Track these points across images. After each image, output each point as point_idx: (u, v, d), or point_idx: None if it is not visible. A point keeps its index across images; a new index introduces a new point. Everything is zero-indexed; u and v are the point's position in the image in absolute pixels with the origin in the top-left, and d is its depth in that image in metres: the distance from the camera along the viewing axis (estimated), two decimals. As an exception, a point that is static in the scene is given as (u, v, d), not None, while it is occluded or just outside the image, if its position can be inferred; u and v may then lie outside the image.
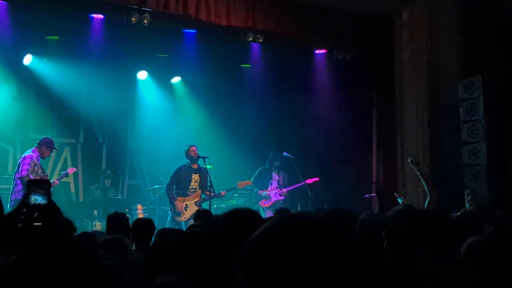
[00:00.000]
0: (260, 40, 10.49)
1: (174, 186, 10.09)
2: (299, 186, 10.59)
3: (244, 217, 2.87)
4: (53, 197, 2.19)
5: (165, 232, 4.38)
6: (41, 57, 11.00)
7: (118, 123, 12.44)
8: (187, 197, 9.99)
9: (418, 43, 10.93)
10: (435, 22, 10.81)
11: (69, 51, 10.99)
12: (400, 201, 8.79)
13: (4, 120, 11.03)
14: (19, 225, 2.11)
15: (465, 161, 9.89)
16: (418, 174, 8.01)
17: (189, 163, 10.08)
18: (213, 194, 9.57)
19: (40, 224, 2.10)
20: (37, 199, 2.12)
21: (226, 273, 3.05)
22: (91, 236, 4.53)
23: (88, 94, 11.60)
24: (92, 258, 3.16)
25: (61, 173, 10.23)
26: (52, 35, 10.70)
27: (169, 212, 10.19)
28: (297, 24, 10.37)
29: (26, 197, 2.11)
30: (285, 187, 10.87)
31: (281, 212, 5.77)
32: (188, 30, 10.48)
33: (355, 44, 11.14)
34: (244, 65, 12.15)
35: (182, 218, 9.68)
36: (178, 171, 10.13)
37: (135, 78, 12.17)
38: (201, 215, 6.29)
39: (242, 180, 10.54)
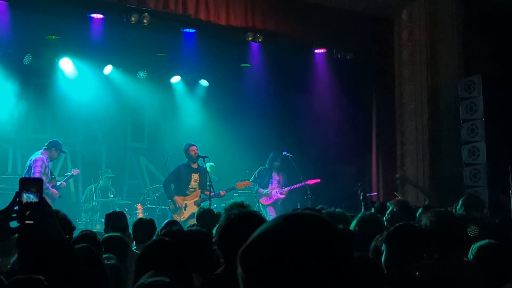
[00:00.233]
0: (260, 40, 10.49)
1: (174, 186, 10.10)
2: (300, 186, 10.61)
3: (248, 221, 2.89)
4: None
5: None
6: (41, 57, 10.99)
7: (117, 122, 12.43)
8: (187, 197, 10.00)
9: (418, 42, 10.93)
10: (434, 21, 10.81)
11: (68, 50, 11.00)
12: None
13: (4, 120, 11.03)
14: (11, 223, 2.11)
15: (464, 160, 9.90)
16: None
17: (189, 162, 10.09)
18: (213, 194, 9.58)
19: (31, 222, 2.09)
20: (29, 197, 2.11)
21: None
22: (92, 235, 4.53)
23: (88, 94, 11.59)
24: (92, 257, 3.15)
25: (67, 175, 10.26)
26: (52, 35, 10.70)
27: (169, 212, 10.19)
28: (296, 23, 10.36)
29: (18, 195, 2.11)
30: (285, 187, 10.89)
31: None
32: (188, 30, 10.48)
33: (354, 43, 11.14)
34: (243, 65, 12.14)
35: (181, 217, 9.69)
36: (178, 170, 10.14)
37: (135, 78, 12.17)
38: (203, 214, 6.26)
39: (241, 180, 10.55)
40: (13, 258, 3.78)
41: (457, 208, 5.94)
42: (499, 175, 9.67)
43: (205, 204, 9.64)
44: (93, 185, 11.08)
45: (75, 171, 10.38)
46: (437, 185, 10.45)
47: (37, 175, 9.15)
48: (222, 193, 9.97)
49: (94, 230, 7.58)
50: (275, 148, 11.28)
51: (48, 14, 9.71)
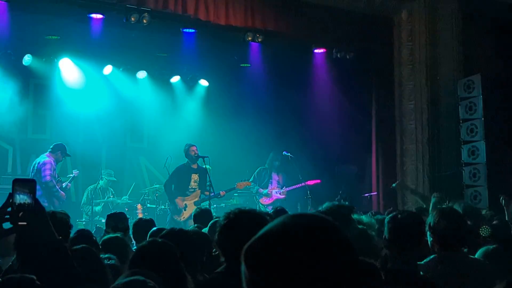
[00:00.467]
0: (259, 40, 10.48)
1: (174, 186, 10.10)
2: (300, 186, 10.61)
3: (248, 219, 2.89)
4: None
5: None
6: (40, 57, 11.00)
7: (117, 122, 12.42)
8: (187, 197, 10.00)
9: (417, 42, 10.94)
10: (434, 21, 10.82)
11: (68, 51, 11.00)
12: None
13: (4, 120, 11.03)
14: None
15: (464, 159, 9.91)
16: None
17: (188, 162, 10.09)
18: (213, 194, 9.59)
19: (25, 223, 2.08)
20: (22, 198, 2.10)
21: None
22: (88, 235, 4.54)
23: (87, 94, 11.59)
24: (92, 257, 3.15)
25: (69, 176, 10.27)
26: (52, 35, 10.70)
27: (169, 212, 10.20)
28: (296, 23, 10.36)
29: (11, 196, 2.10)
30: (285, 186, 10.90)
31: (278, 211, 5.77)
32: (187, 30, 10.47)
33: (354, 43, 11.14)
34: (243, 65, 12.14)
35: (182, 217, 9.69)
36: (178, 170, 10.15)
37: (134, 78, 12.17)
38: (201, 215, 6.26)
39: (241, 180, 10.56)
40: (13, 258, 3.78)
41: None
42: (499, 175, 9.69)
43: (205, 204, 9.65)
44: (92, 185, 11.09)
45: (75, 172, 10.41)
46: (437, 185, 10.45)
47: (48, 178, 9.29)
48: (222, 193, 9.98)
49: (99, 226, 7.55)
50: (274, 148, 11.29)
51: (48, 14, 9.70)
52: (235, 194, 11.60)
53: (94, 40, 10.01)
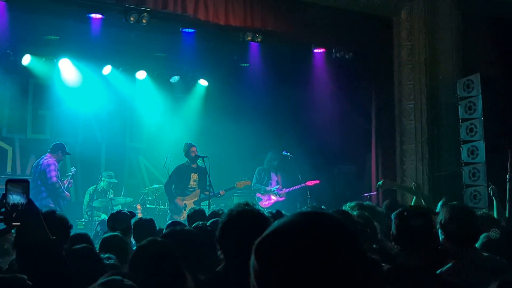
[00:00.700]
0: (259, 39, 10.49)
1: (173, 186, 10.11)
2: (299, 187, 10.61)
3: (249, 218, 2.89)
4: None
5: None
6: (40, 57, 11.00)
7: (117, 122, 12.43)
8: (186, 197, 10.01)
9: (417, 41, 10.94)
10: (433, 20, 10.82)
11: (67, 51, 11.00)
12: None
13: (3, 120, 11.03)
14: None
15: (464, 159, 9.91)
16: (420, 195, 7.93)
17: (188, 162, 10.10)
18: (212, 193, 9.59)
19: (18, 224, 2.07)
20: (16, 198, 2.09)
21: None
22: (83, 235, 4.53)
23: (87, 94, 11.59)
24: (93, 256, 3.15)
25: (68, 175, 10.25)
26: (51, 35, 10.70)
27: (168, 212, 10.20)
28: (295, 23, 10.36)
29: (4, 196, 2.08)
30: (284, 186, 10.89)
31: (275, 215, 5.78)
32: (187, 30, 10.47)
33: (354, 43, 11.14)
34: (243, 64, 12.14)
35: (181, 217, 9.69)
36: (177, 170, 10.16)
37: (134, 78, 12.17)
38: (194, 215, 6.23)
39: (241, 180, 10.56)
40: (11, 258, 3.78)
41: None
42: (498, 174, 9.68)
43: (204, 204, 9.66)
44: (92, 185, 11.09)
45: (73, 170, 10.41)
46: (436, 185, 10.46)
47: (55, 179, 9.36)
48: (221, 192, 9.99)
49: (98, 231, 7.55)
50: (273, 148, 11.26)
51: (47, 14, 9.70)
52: (234, 194, 11.61)
53: (93, 40, 10.01)
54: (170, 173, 10.26)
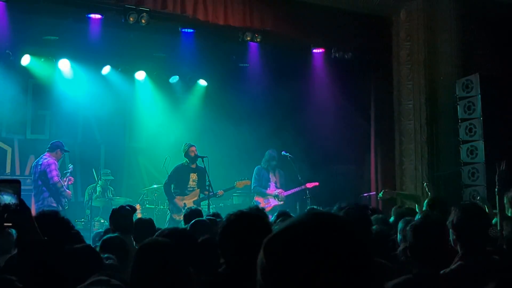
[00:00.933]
0: (258, 39, 10.49)
1: (173, 186, 10.11)
2: (299, 189, 10.58)
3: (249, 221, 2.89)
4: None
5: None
6: (39, 57, 11.00)
7: (116, 123, 12.44)
8: (186, 196, 10.01)
9: (416, 41, 10.94)
10: (432, 20, 10.82)
11: (66, 51, 10.99)
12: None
13: (2, 121, 11.03)
14: None
15: (463, 159, 9.91)
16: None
17: (187, 162, 10.10)
18: (212, 193, 9.59)
19: (10, 224, 2.06)
20: (7, 199, 2.07)
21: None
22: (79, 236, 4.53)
23: (86, 94, 11.59)
24: (93, 256, 3.15)
25: (66, 172, 10.21)
26: (50, 36, 10.69)
27: (168, 211, 10.19)
28: (295, 23, 10.37)
29: None
30: (282, 187, 10.84)
31: (281, 215, 5.76)
32: (186, 30, 10.46)
33: (353, 43, 11.14)
34: (242, 64, 12.14)
35: (181, 217, 9.68)
36: (176, 170, 10.16)
37: (133, 78, 12.17)
38: (191, 215, 6.24)
39: (241, 179, 10.55)
40: (9, 255, 3.78)
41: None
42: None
43: (204, 204, 9.66)
44: (91, 185, 11.10)
45: (71, 168, 10.36)
46: (436, 184, 10.46)
47: (56, 179, 9.32)
48: (220, 192, 9.98)
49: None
50: (272, 147, 11.14)
51: (46, 15, 9.70)
52: (234, 194, 11.61)
53: (92, 41, 10.00)
54: (169, 173, 10.26)
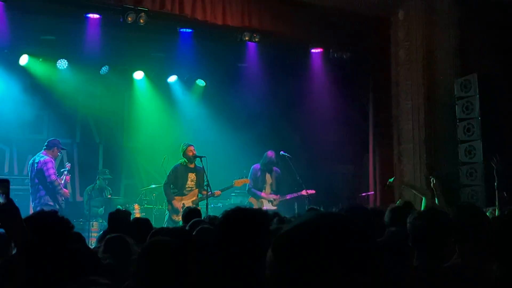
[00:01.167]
0: (256, 39, 10.49)
1: (172, 185, 10.10)
2: (296, 195, 10.53)
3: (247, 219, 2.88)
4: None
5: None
6: (37, 57, 10.99)
7: (114, 123, 12.44)
8: (184, 196, 10.01)
9: (414, 41, 10.95)
10: (430, 20, 10.83)
11: (65, 51, 10.98)
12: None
13: (1, 120, 11.01)
14: None
15: (461, 159, 9.92)
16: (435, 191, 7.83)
17: (185, 162, 10.09)
18: (210, 193, 9.58)
19: None
20: None
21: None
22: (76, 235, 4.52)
23: (84, 94, 11.59)
24: (90, 255, 3.14)
25: (63, 171, 10.19)
26: (48, 35, 10.68)
27: (166, 211, 10.19)
28: (293, 23, 10.37)
29: None
30: (278, 188, 10.74)
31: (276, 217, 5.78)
32: (184, 30, 10.47)
33: (351, 43, 11.15)
34: (240, 64, 12.14)
35: (179, 217, 9.68)
36: (175, 170, 10.15)
37: (131, 78, 12.17)
38: (189, 214, 6.23)
39: (239, 178, 10.54)
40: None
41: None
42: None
43: (202, 204, 9.65)
44: (89, 185, 11.09)
45: (68, 165, 10.30)
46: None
47: (53, 177, 9.26)
48: (216, 193, 9.95)
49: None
50: (271, 148, 11.04)
51: (44, 14, 9.69)
52: (232, 194, 11.60)
53: (91, 40, 10.00)
54: (168, 173, 10.26)
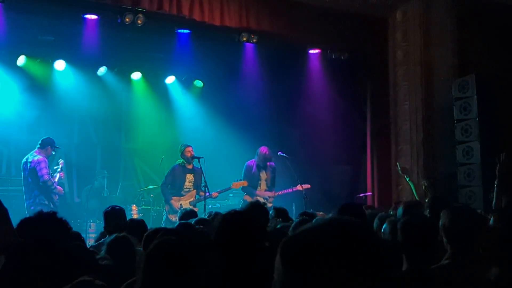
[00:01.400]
0: (254, 40, 10.49)
1: (169, 186, 10.09)
2: (291, 191, 10.50)
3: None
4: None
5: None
6: (35, 58, 10.97)
7: (112, 123, 12.43)
8: (182, 197, 10.00)
9: (412, 42, 10.96)
10: (428, 21, 10.84)
11: (63, 51, 10.97)
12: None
13: (-1, 121, 11.00)
14: None
15: (459, 160, 9.92)
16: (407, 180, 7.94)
17: (183, 163, 10.08)
18: (208, 194, 9.58)
19: None
20: None
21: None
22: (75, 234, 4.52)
23: (82, 95, 11.57)
24: (87, 255, 3.14)
25: (56, 168, 10.10)
26: (46, 36, 10.66)
27: (164, 212, 10.18)
28: (291, 24, 10.37)
29: None
30: (272, 182, 10.68)
31: (278, 211, 5.78)
32: (182, 30, 10.46)
33: (349, 44, 11.15)
34: (238, 65, 12.12)
35: (177, 218, 9.67)
36: (173, 170, 10.14)
37: (129, 79, 12.16)
38: (186, 216, 6.23)
39: (237, 180, 10.51)
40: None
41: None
42: (494, 175, 9.69)
43: (200, 205, 9.65)
44: (87, 186, 11.08)
45: (61, 162, 10.19)
46: (432, 185, 10.47)
47: (46, 177, 9.17)
48: (214, 194, 9.93)
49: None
50: (266, 145, 10.94)
51: (42, 15, 9.68)
52: (230, 195, 11.58)
53: (88, 41, 9.99)
54: (165, 174, 10.25)
